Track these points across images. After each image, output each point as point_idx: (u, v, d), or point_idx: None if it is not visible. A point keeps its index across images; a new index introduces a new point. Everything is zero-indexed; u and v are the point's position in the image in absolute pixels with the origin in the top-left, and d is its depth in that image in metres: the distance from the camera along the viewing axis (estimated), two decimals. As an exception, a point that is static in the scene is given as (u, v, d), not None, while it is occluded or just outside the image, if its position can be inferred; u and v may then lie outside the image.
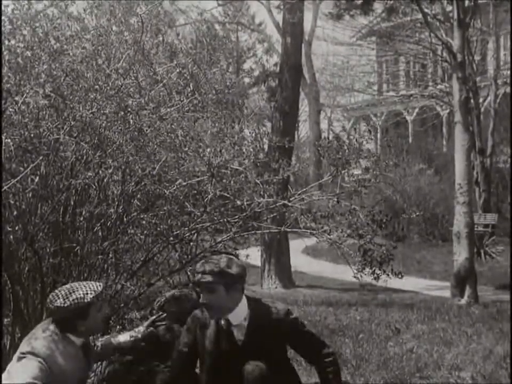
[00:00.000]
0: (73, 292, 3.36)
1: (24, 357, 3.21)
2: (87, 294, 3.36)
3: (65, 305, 3.32)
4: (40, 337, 3.32)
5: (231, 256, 3.59)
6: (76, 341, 3.40)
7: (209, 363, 3.53)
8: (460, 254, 10.90)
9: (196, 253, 5.58)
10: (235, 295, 3.49)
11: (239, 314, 3.52)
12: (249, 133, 6.11)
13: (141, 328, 3.79)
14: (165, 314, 3.99)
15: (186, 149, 4.97)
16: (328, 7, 21.44)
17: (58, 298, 3.35)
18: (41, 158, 4.34)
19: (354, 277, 6.14)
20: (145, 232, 5.26)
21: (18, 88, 4.23)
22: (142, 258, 5.29)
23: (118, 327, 5.26)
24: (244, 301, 3.56)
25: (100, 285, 3.47)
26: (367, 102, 29.11)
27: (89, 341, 3.56)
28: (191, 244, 5.70)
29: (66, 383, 3.28)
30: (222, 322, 3.54)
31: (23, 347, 3.29)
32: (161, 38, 5.48)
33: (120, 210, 4.94)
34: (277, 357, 3.50)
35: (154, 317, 3.85)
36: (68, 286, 3.46)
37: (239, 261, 3.58)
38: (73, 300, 3.33)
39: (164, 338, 4.05)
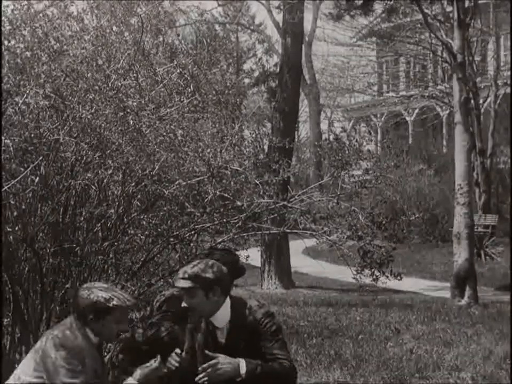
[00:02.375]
0: (103, 291, 3.37)
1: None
2: (112, 300, 3.34)
3: (87, 298, 3.33)
4: (70, 328, 3.34)
5: (213, 260, 3.58)
6: (93, 339, 3.40)
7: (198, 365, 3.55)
8: (460, 254, 10.90)
9: (196, 254, 5.57)
10: (214, 298, 3.46)
11: (223, 317, 3.51)
12: (249, 133, 6.11)
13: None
14: (164, 314, 3.99)
15: (186, 149, 4.97)
16: (328, 7, 21.47)
17: (86, 290, 3.37)
18: (41, 158, 4.34)
19: (354, 278, 6.15)
20: (145, 232, 5.26)
21: (18, 89, 4.23)
22: (142, 259, 5.29)
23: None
24: (227, 303, 3.53)
25: (132, 302, 3.46)
26: (367, 103, 29.12)
27: (102, 344, 3.56)
28: (191, 244, 5.70)
29: (86, 374, 3.28)
30: (208, 325, 3.53)
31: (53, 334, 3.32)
32: (161, 39, 5.49)
33: (120, 211, 4.94)
34: (259, 358, 3.48)
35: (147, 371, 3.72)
36: (104, 285, 3.46)
37: (220, 265, 3.53)
38: (96, 297, 3.33)
39: (165, 339, 4.03)
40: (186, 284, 3.43)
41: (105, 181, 4.76)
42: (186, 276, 3.44)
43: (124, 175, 4.85)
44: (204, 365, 3.32)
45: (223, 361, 3.32)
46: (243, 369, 3.33)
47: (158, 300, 4.26)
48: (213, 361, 3.31)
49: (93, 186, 4.78)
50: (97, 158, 4.55)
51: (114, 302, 3.34)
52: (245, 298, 3.69)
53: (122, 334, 3.85)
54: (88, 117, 4.36)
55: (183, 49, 5.57)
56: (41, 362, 3.25)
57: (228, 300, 3.53)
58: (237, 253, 5.98)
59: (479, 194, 18.61)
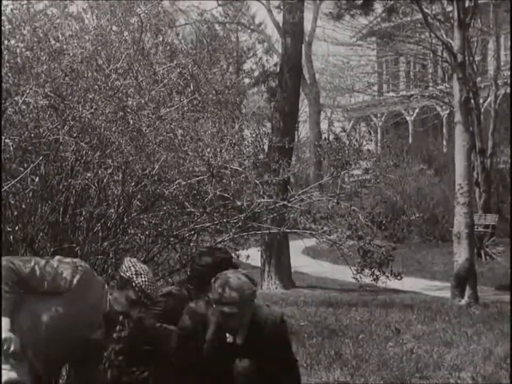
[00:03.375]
0: (144, 275, 3.46)
1: None
2: (143, 284, 3.43)
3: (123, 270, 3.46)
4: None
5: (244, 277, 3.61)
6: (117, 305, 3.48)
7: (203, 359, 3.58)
8: (460, 254, 10.89)
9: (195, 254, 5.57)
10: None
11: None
12: (249, 133, 6.11)
13: None
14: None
15: (186, 149, 4.97)
16: (328, 7, 21.45)
17: (128, 263, 3.49)
18: (41, 158, 4.34)
19: (354, 278, 6.14)
20: (145, 232, 5.26)
21: (18, 88, 4.23)
22: (142, 259, 5.28)
23: (118, 327, 5.25)
24: None
25: (152, 296, 3.52)
26: (367, 103, 29.09)
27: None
28: (191, 244, 5.70)
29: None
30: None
31: None
32: (161, 38, 5.48)
33: (120, 211, 4.94)
34: (273, 358, 3.51)
35: None
36: (143, 266, 3.52)
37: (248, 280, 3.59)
38: (140, 282, 3.43)
39: (157, 338, 3.99)
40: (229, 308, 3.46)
41: (105, 180, 4.75)
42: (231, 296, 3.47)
43: (124, 175, 4.84)
44: None
45: None
46: None
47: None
48: None
49: (92, 186, 4.78)
50: (97, 158, 4.55)
51: (140, 282, 3.43)
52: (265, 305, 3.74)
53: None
54: (88, 116, 4.36)
55: (183, 49, 5.57)
56: None
57: None
58: (237, 252, 6.00)
59: (479, 194, 18.60)
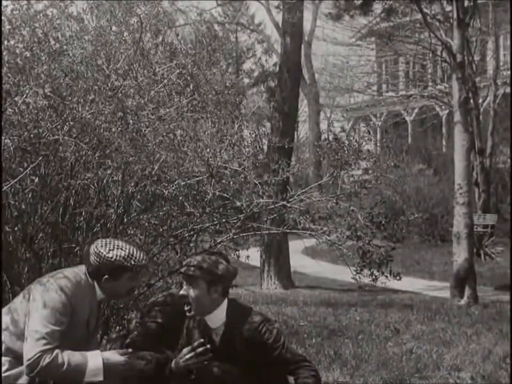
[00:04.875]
0: (122, 249, 3.32)
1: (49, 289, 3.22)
2: (130, 258, 3.30)
3: (105, 257, 3.29)
4: (69, 275, 3.33)
5: (222, 259, 3.55)
6: (99, 295, 3.39)
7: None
8: (460, 254, 10.91)
9: (195, 254, 5.57)
10: (215, 295, 3.43)
11: (218, 318, 3.47)
12: (249, 133, 6.11)
13: None
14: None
15: (186, 149, 4.97)
16: (327, 7, 21.46)
17: (103, 247, 3.33)
18: (40, 158, 4.34)
19: (353, 278, 6.13)
20: (144, 232, 5.26)
21: (18, 89, 4.23)
22: (141, 259, 5.28)
23: (117, 327, 5.26)
24: (224, 305, 3.49)
25: (147, 259, 3.44)
26: (366, 103, 29.11)
27: (105, 302, 3.53)
28: (191, 244, 5.70)
29: (74, 327, 3.26)
30: (202, 325, 3.48)
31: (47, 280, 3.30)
32: (160, 39, 5.48)
33: (120, 211, 4.94)
34: (253, 364, 3.43)
35: None
36: (120, 242, 3.40)
37: (229, 265, 3.49)
38: (115, 256, 3.29)
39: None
40: (191, 271, 3.41)
41: (104, 181, 4.75)
42: (193, 263, 3.41)
43: (124, 175, 4.84)
44: None
45: None
46: None
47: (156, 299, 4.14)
48: None
49: (92, 186, 4.78)
50: (96, 158, 4.55)
51: (132, 262, 3.32)
52: (242, 303, 3.67)
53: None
54: (88, 116, 4.36)
55: (182, 49, 5.56)
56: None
57: (225, 302, 3.50)
58: (236, 252, 6.00)
59: (479, 194, 18.61)
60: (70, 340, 3.19)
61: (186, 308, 3.45)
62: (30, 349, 3.08)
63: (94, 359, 3.17)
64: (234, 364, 3.40)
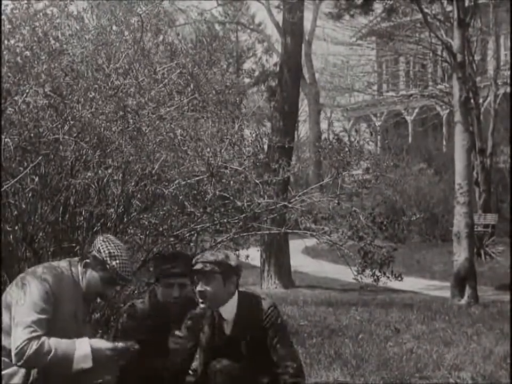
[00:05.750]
0: (115, 248, 3.38)
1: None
2: (114, 259, 3.34)
3: (98, 250, 3.36)
4: (48, 267, 3.37)
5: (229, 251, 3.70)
6: (83, 287, 3.41)
7: (203, 357, 3.61)
8: (460, 254, 10.90)
9: (195, 254, 5.57)
10: (230, 287, 3.56)
11: (231, 309, 3.58)
12: (249, 133, 6.10)
13: None
14: None
15: (186, 148, 4.96)
16: (328, 6, 21.46)
17: (102, 242, 3.39)
18: (40, 157, 4.33)
19: (355, 279, 6.14)
20: (145, 232, 5.26)
21: (18, 88, 4.22)
22: (141, 258, 5.28)
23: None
24: (236, 296, 3.62)
25: (128, 279, 3.45)
26: (367, 102, 29.12)
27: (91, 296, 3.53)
28: (191, 244, 5.70)
29: (62, 319, 3.27)
30: (216, 317, 3.59)
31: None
32: (161, 38, 5.47)
33: (120, 210, 4.94)
34: (262, 353, 3.51)
35: None
36: (121, 245, 3.45)
37: (235, 257, 3.67)
38: (107, 250, 3.35)
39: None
40: (207, 267, 3.47)
41: (105, 180, 4.75)
42: (207, 260, 3.50)
43: (124, 175, 4.84)
44: None
45: None
46: None
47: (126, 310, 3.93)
48: None
49: (92, 186, 4.77)
50: (97, 157, 4.54)
51: (114, 264, 3.34)
52: (251, 291, 3.75)
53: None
54: (88, 116, 4.35)
55: (183, 48, 5.56)
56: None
57: (236, 293, 3.62)
58: (236, 252, 6.00)
59: (479, 194, 18.60)
60: (60, 333, 3.20)
61: (199, 302, 3.54)
62: (17, 338, 3.10)
63: (82, 346, 3.19)
64: (243, 352, 3.50)
